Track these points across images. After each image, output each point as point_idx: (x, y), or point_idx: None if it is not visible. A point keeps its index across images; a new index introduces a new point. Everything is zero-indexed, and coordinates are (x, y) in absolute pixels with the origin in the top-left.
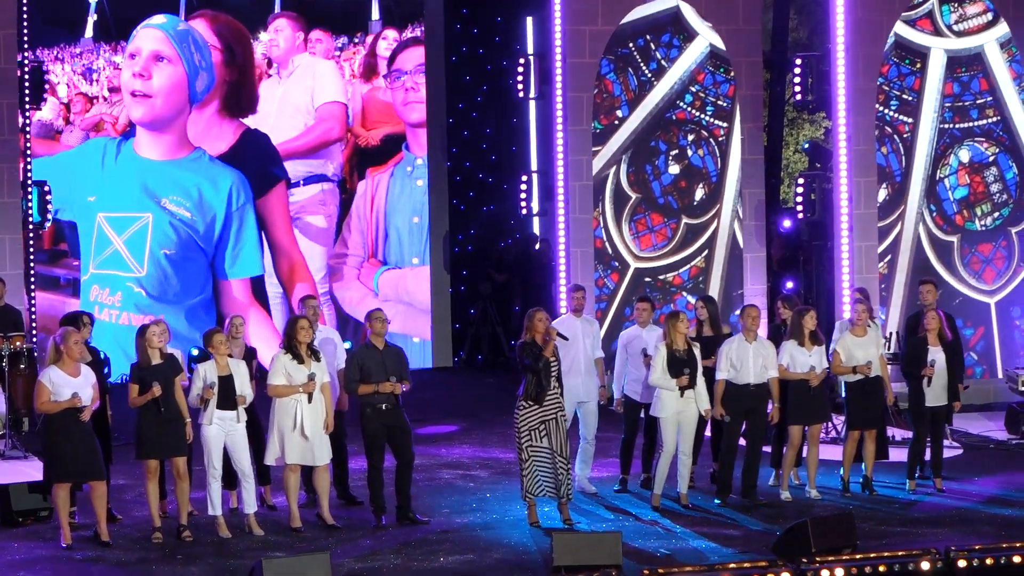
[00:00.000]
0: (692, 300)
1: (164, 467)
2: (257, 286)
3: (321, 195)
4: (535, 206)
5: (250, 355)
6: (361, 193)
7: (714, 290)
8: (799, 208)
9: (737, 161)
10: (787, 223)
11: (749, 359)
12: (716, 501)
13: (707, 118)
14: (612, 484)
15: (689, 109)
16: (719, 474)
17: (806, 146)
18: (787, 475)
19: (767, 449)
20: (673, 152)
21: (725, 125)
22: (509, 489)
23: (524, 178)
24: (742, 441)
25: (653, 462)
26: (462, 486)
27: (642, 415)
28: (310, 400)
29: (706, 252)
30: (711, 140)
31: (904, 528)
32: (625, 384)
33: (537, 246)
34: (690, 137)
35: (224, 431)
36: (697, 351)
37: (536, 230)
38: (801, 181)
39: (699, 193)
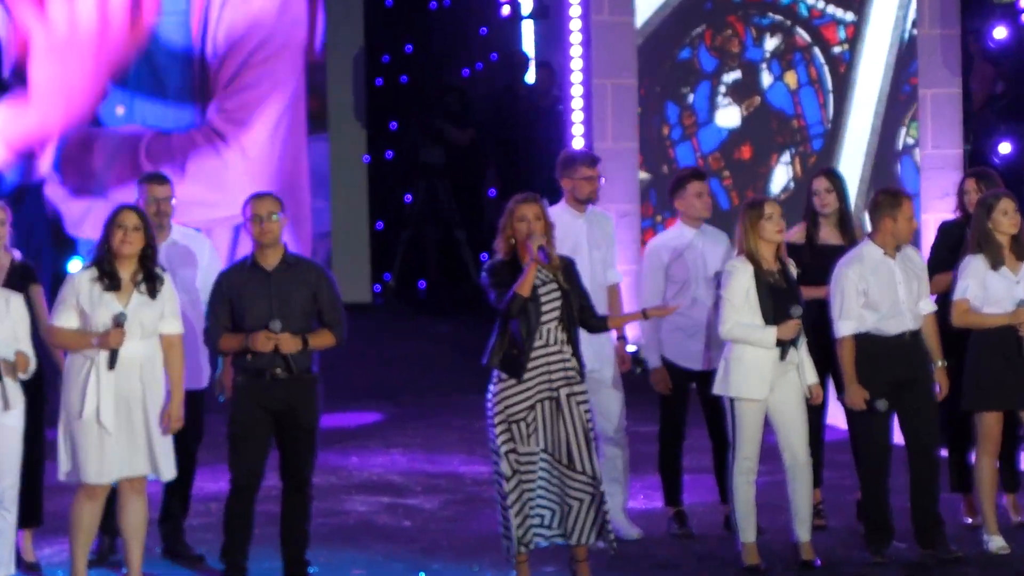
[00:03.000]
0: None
1: None
2: None
3: None
4: (526, 2)
5: (22, 275)
6: None
7: None
8: None
9: (871, 100)
10: (1001, 32)
11: (898, 286)
12: (869, 556)
13: (811, 1)
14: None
15: None
16: (865, 507)
17: None
18: (990, 504)
19: (943, 453)
20: (729, 78)
21: (852, 20)
22: (478, 531)
23: None
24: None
25: (729, 482)
26: (390, 527)
27: (694, 387)
28: (112, 363)
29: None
30: (814, 53)
31: None
32: (664, 339)
33: (531, 76)
34: (770, 45)
35: None
36: (793, 271)
37: (529, 48)
38: None
39: (783, 174)
